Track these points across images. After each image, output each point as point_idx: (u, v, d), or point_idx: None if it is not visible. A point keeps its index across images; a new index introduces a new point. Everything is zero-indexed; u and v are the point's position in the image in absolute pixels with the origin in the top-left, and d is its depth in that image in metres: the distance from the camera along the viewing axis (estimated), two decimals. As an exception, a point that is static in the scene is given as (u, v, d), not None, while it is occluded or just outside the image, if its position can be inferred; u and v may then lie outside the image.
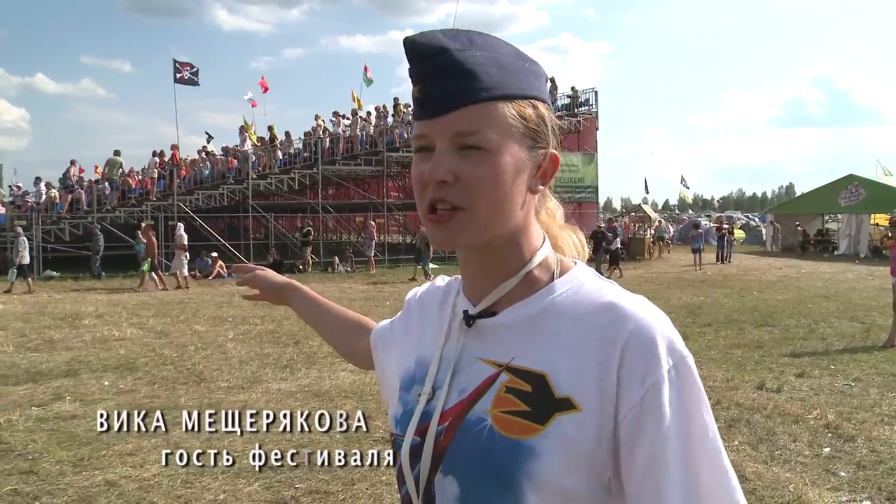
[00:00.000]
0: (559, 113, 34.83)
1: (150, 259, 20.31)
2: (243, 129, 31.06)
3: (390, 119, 31.45)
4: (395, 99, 32.34)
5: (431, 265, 22.95)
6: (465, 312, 1.13)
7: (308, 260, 26.69)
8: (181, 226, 22.10)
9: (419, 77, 1.03)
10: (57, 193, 28.37)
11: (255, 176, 28.43)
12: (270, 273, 1.82)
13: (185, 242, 21.05)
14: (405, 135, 30.84)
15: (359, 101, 32.86)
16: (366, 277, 23.86)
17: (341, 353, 1.68)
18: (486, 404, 1.04)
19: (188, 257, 21.14)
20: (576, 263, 1.14)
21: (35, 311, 15.62)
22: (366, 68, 34.89)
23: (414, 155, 1.07)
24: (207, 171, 29.16)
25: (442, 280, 1.31)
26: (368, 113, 32.45)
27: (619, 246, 24.37)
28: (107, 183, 27.74)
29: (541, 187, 1.10)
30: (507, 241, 1.08)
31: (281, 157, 30.09)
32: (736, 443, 6.06)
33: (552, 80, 35.03)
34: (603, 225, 25.88)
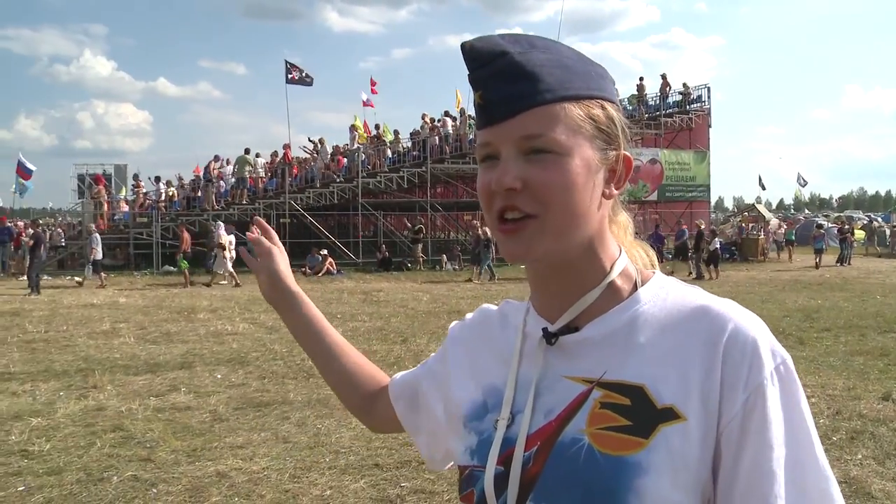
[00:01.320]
0: (671, 110, 34.14)
1: (182, 256, 21.31)
2: (353, 128, 31.58)
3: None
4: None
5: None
6: (545, 330, 1.05)
7: (419, 257, 26.91)
8: (221, 224, 22.38)
9: (479, 82, 0.99)
10: (175, 191, 29.51)
11: (364, 174, 28.89)
12: (284, 263, 1.48)
13: (224, 241, 21.35)
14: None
15: (461, 100, 33.06)
16: (474, 275, 23.83)
17: (349, 404, 1.43)
18: (580, 423, 0.97)
19: (229, 256, 21.29)
20: (654, 273, 1.09)
21: (154, 304, 16.28)
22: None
23: (479, 166, 1.01)
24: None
25: (490, 306, 1.24)
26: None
27: (717, 246, 23.53)
28: (221, 181, 28.68)
29: (615, 191, 1.04)
30: (583, 252, 1.02)
31: (390, 156, 30.42)
32: (859, 457, 5.70)
33: (663, 77, 34.51)
34: (703, 225, 25.25)
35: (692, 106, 34.94)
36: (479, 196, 1.01)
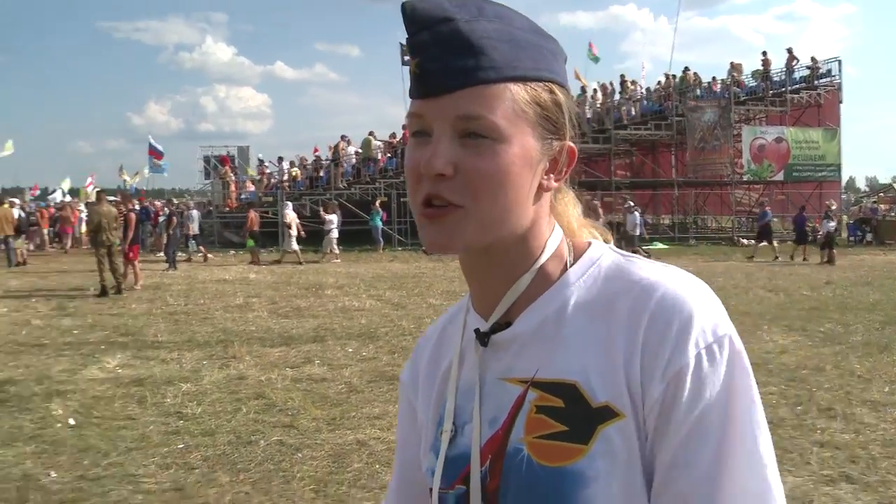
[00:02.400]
0: (796, 86, 32.80)
1: (249, 235, 22.24)
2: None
3: (617, 96, 31.04)
4: (622, 76, 32.11)
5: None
6: (477, 331, 0.98)
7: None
8: (289, 204, 23.74)
9: (417, 48, 0.89)
10: (298, 171, 30.38)
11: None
12: None
13: (289, 220, 22.61)
14: (632, 111, 30.37)
15: (582, 78, 32.75)
16: None
17: None
18: (519, 431, 0.90)
19: (294, 235, 22.48)
20: (590, 244, 0.99)
21: (282, 280, 16.90)
22: (591, 45, 34.67)
23: (409, 138, 0.93)
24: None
25: (430, 328, 1.16)
26: (595, 90, 32.17)
27: (829, 230, 21.73)
28: (344, 162, 29.41)
29: (554, 184, 0.95)
30: (512, 241, 0.93)
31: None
32: None
33: (789, 51, 33.05)
34: (834, 207, 24.13)
35: (821, 81, 33.21)
36: (406, 173, 0.93)
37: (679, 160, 34.48)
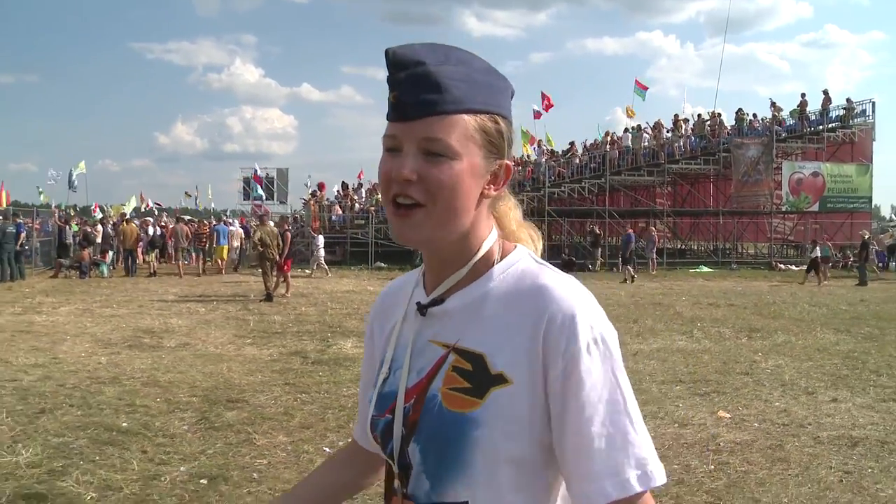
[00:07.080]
0: (832, 125, 35.31)
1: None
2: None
3: (668, 133, 34.48)
4: (675, 115, 35.52)
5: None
6: (418, 303, 1.26)
7: (598, 260, 29.96)
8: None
9: (396, 84, 1.14)
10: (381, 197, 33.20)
11: (549, 184, 32.50)
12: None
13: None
14: (683, 146, 33.63)
15: (631, 111, 36.30)
16: (648, 278, 25.99)
17: (359, 486, 1.52)
18: (438, 382, 1.18)
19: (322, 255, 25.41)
20: (515, 247, 1.25)
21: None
22: (637, 82, 37.63)
23: (384, 153, 1.16)
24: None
25: (391, 284, 1.43)
26: (647, 125, 35.68)
27: (818, 255, 24.51)
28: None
29: (493, 192, 1.20)
30: (459, 238, 1.19)
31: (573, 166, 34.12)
32: None
33: (825, 93, 35.54)
34: (867, 235, 26.87)
35: (855, 121, 35.65)
36: (379, 179, 1.17)
37: (720, 191, 37.81)
